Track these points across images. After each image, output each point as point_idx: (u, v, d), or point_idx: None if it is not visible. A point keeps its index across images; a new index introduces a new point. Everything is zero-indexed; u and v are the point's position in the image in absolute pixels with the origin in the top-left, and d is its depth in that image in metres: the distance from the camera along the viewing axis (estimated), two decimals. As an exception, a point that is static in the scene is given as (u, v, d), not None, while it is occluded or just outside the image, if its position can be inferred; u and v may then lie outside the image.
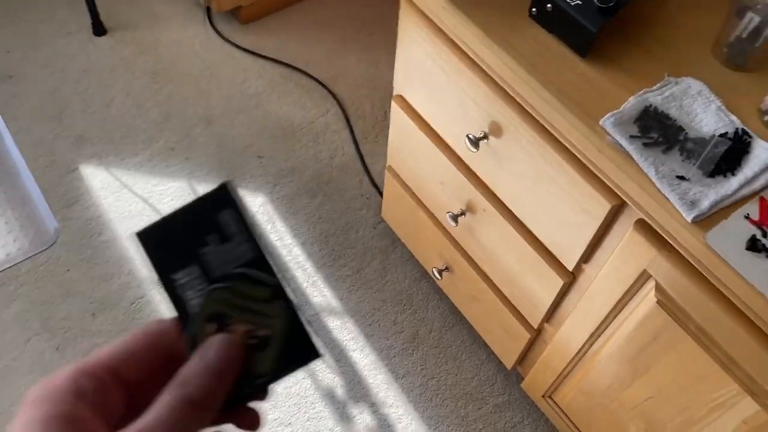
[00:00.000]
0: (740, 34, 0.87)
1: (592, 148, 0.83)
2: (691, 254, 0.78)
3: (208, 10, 2.08)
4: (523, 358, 1.38)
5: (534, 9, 0.92)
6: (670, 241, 0.80)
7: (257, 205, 1.72)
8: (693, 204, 0.77)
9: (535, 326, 1.23)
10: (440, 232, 1.36)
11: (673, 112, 0.84)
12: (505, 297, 1.27)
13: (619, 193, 0.84)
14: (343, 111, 1.91)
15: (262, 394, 0.38)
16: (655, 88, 0.87)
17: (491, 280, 1.29)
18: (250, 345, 0.37)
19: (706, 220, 0.77)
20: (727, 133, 0.82)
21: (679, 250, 0.80)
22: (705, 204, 0.77)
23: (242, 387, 0.37)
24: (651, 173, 0.79)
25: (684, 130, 0.83)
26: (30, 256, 1.60)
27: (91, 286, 1.57)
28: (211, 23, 2.06)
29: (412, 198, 1.40)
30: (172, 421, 0.33)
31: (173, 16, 2.07)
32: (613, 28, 0.93)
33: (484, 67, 0.96)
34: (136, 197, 1.71)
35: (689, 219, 0.76)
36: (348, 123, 1.88)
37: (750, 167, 0.80)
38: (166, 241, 0.38)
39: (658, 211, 0.79)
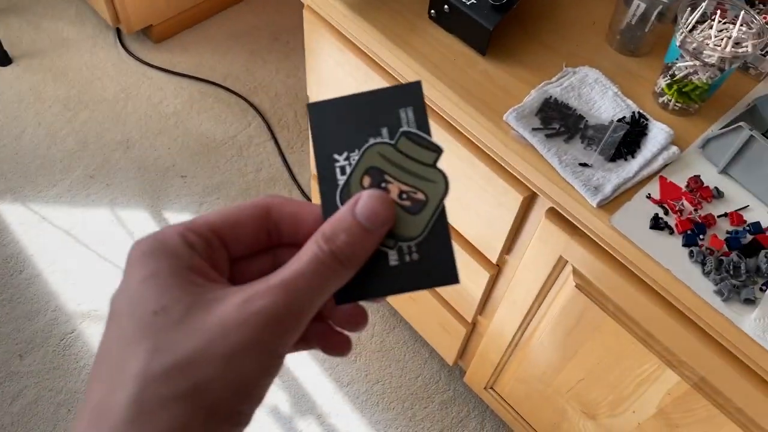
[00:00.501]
0: (630, 21, 0.90)
1: (498, 143, 0.85)
2: (600, 237, 0.80)
3: (118, 31, 2.03)
4: (463, 352, 1.39)
5: (432, 11, 0.93)
6: (580, 227, 0.83)
7: (185, 225, 1.69)
8: (597, 189, 0.79)
9: (470, 320, 1.24)
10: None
11: (573, 102, 0.87)
12: (439, 294, 1.29)
13: (528, 185, 0.86)
14: (266, 122, 1.89)
15: (379, 299, 0.36)
16: (554, 79, 0.89)
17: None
18: (403, 206, 0.35)
19: (610, 204, 0.79)
20: (624, 117, 0.85)
21: (589, 235, 0.82)
22: (608, 188, 0.79)
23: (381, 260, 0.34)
24: (554, 163, 0.81)
25: (584, 118, 0.86)
26: (-53, 302, 1.52)
27: (16, 326, 1.51)
28: (123, 44, 2.01)
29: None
30: (316, 275, 0.32)
31: (82, 39, 2.01)
32: (510, 24, 0.95)
33: (390, 72, 0.96)
34: (57, 229, 1.65)
35: (594, 204, 0.78)
36: (272, 134, 1.87)
37: (648, 149, 0.83)
38: (337, 120, 0.36)
39: (565, 199, 0.81)
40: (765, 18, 0.92)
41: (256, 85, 1.96)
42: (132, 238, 1.65)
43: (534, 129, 0.84)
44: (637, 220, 0.78)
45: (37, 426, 1.39)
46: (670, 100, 0.87)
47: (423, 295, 1.32)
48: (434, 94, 0.90)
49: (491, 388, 1.35)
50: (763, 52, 0.90)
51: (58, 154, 1.77)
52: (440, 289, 1.26)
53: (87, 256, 1.62)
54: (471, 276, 1.13)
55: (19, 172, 1.73)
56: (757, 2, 0.96)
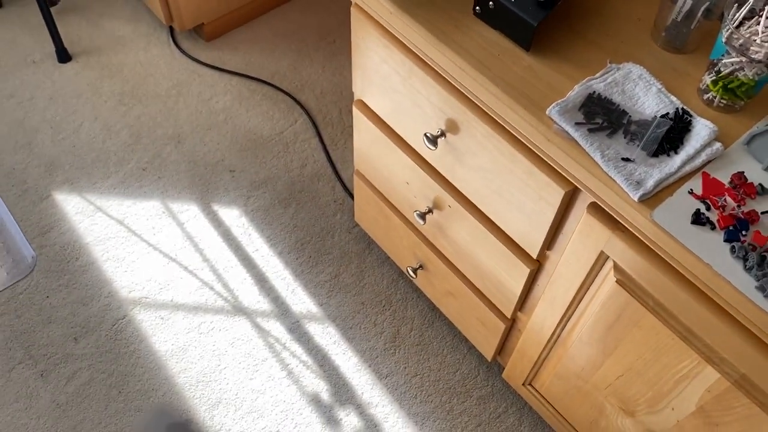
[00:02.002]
0: (676, 18, 0.90)
1: (541, 137, 0.86)
2: (641, 232, 0.81)
3: (171, 29, 2.10)
4: (502, 348, 1.40)
5: (477, 7, 0.95)
6: (621, 221, 0.83)
7: (232, 218, 1.74)
8: (639, 184, 0.80)
9: (509, 316, 1.25)
10: (411, 231, 1.39)
11: (616, 97, 0.87)
12: (478, 289, 1.30)
13: (570, 179, 0.87)
14: (311, 119, 1.93)
15: None
16: (597, 75, 0.90)
17: (463, 275, 1.32)
18: None
19: (652, 199, 0.80)
20: (668, 113, 0.86)
21: (631, 230, 0.83)
22: (650, 183, 0.80)
23: None
24: (597, 157, 0.82)
25: (627, 113, 0.86)
26: (8, 286, 1.60)
27: (72, 310, 1.57)
28: (175, 42, 2.08)
29: (381, 200, 1.43)
30: None
31: (137, 37, 2.09)
32: (554, 20, 0.96)
33: (434, 67, 0.98)
34: (111, 219, 1.72)
35: (636, 198, 0.79)
36: (317, 131, 1.91)
37: (691, 144, 0.83)
38: None
39: (607, 193, 0.82)
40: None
41: (303, 83, 2.01)
42: (182, 229, 1.71)
43: (577, 123, 0.85)
44: (679, 215, 0.78)
45: (90, 406, 1.46)
46: (715, 97, 0.87)
47: (462, 290, 1.33)
48: (477, 89, 0.92)
49: (530, 384, 1.35)
50: None
51: (112, 147, 1.84)
52: (479, 284, 1.27)
53: (138, 246, 1.68)
54: (511, 271, 1.14)
55: (76, 164, 1.80)
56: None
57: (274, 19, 2.17)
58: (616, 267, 0.92)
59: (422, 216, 1.26)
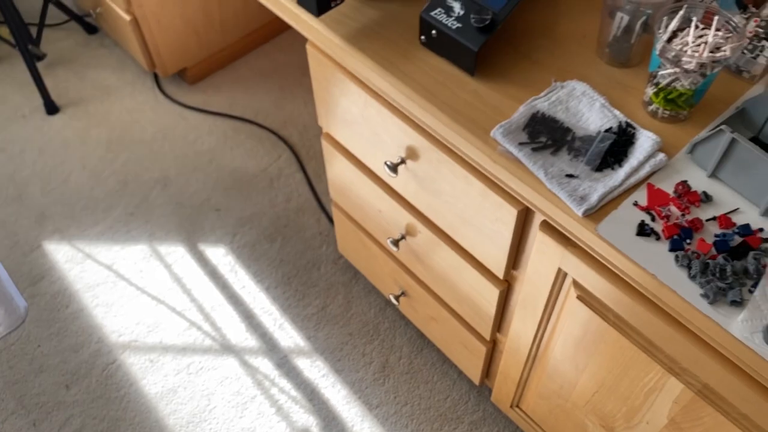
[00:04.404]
0: (616, 33, 0.92)
1: (487, 159, 0.87)
2: (590, 246, 0.81)
3: (155, 75, 2.14)
4: (488, 371, 1.39)
5: (422, 36, 0.97)
6: (572, 237, 0.84)
7: (219, 256, 1.76)
8: (582, 199, 0.80)
9: (488, 338, 1.25)
10: (390, 258, 1.40)
11: (560, 115, 0.89)
12: (457, 313, 1.30)
13: (520, 198, 0.88)
14: (295, 154, 1.95)
15: None
16: (542, 94, 0.91)
17: (441, 299, 1.32)
18: None
19: (597, 213, 0.80)
20: (611, 127, 0.86)
21: (580, 245, 0.83)
22: (594, 197, 0.80)
23: None
24: (540, 175, 0.83)
25: (571, 130, 0.87)
26: (1, 338, 1.62)
27: (63, 358, 1.59)
28: (160, 88, 2.12)
29: (359, 229, 1.44)
30: None
31: (122, 85, 2.13)
32: (499, 43, 0.98)
33: (386, 98, 1.00)
34: (100, 266, 1.74)
35: (580, 213, 0.80)
36: (301, 165, 1.93)
37: (635, 157, 0.84)
38: None
39: (553, 210, 0.83)
40: (756, 21, 0.92)
41: (286, 119, 2.04)
42: (169, 270, 1.73)
43: (521, 143, 0.86)
44: (624, 228, 0.79)
45: (82, 453, 1.46)
46: (658, 109, 0.88)
47: (443, 315, 1.33)
48: (426, 116, 0.93)
49: (517, 406, 1.34)
50: (753, 55, 0.90)
51: (100, 195, 1.87)
52: (457, 307, 1.27)
53: (127, 290, 1.70)
54: (483, 293, 1.14)
55: (65, 214, 1.83)
56: (748, 6, 0.96)
57: (256, 59, 2.21)
58: (575, 283, 0.92)
59: (395, 243, 1.27)
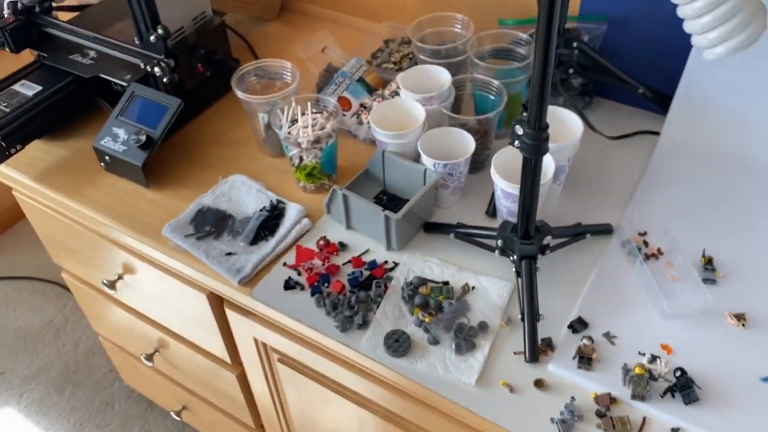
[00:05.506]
0: (264, 131, 1.08)
1: (163, 255, 0.98)
2: (253, 309, 0.93)
3: (-74, 254, 2.11)
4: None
5: (102, 163, 1.08)
6: (242, 306, 0.95)
7: (6, 419, 1.70)
8: (239, 271, 0.92)
9: (254, 425, 1.31)
10: (160, 376, 1.44)
11: (224, 205, 1.02)
12: (222, 409, 1.36)
13: (198, 284, 0.98)
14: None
15: None
16: (209, 192, 1.04)
17: (207, 400, 1.37)
18: None
19: (254, 279, 0.92)
20: (264, 207, 1.01)
21: (253, 312, 0.95)
22: (248, 267, 0.92)
23: None
24: (203, 258, 0.94)
25: (232, 216, 1.00)
26: None
27: None
28: (-68, 265, 2.08)
29: (128, 355, 1.48)
30: None
31: None
32: (173, 157, 1.11)
33: (86, 223, 1.09)
34: None
35: (236, 282, 0.91)
36: (87, 310, 1.94)
37: (285, 226, 0.98)
38: None
39: (220, 286, 0.94)
40: (379, 100, 1.12)
41: (69, 269, 2.06)
42: (-50, 447, 1.65)
43: (186, 235, 0.97)
44: (275, 287, 0.91)
45: None
46: (305, 183, 1.03)
47: (215, 416, 1.38)
48: (113, 234, 1.03)
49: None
50: (359, 121, 1.10)
51: None
52: (219, 403, 1.33)
53: None
54: (226, 380, 1.22)
55: None
56: (376, 89, 1.17)
57: (35, 218, 2.24)
58: (272, 348, 1.02)
59: (149, 357, 1.32)
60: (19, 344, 1.87)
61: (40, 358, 1.83)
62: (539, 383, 0.78)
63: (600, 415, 0.75)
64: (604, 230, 0.94)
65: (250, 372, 1.12)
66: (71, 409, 1.72)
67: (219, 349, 1.14)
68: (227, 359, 1.15)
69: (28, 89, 1.15)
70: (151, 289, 1.13)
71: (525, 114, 0.73)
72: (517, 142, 0.75)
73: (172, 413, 1.49)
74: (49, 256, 2.08)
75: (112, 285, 1.16)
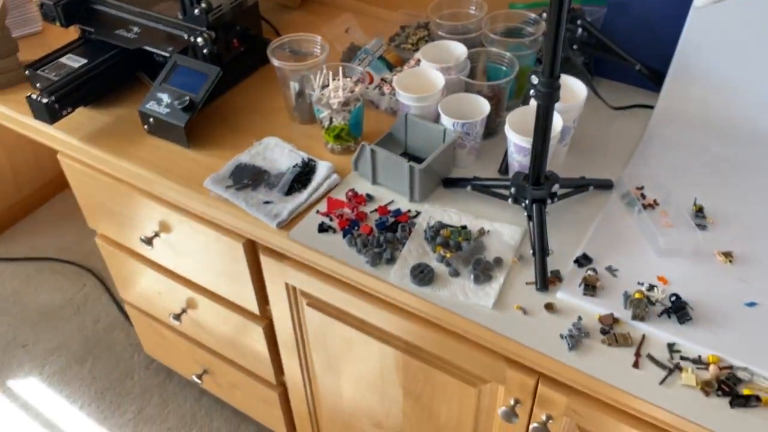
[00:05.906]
0: (295, 98, 1.18)
1: (203, 204, 1.07)
2: (290, 251, 1.02)
3: (-50, 236, 2.19)
4: (293, 424, 1.52)
5: (145, 126, 1.18)
6: (280, 251, 1.04)
7: (30, 389, 1.77)
8: (276, 216, 1.02)
9: (275, 382, 1.39)
10: (183, 339, 1.52)
11: (259, 162, 1.12)
12: (244, 368, 1.44)
13: (237, 231, 1.08)
14: (100, 280, 2.05)
15: None
16: (245, 152, 1.14)
17: (231, 360, 1.46)
18: None
19: (290, 224, 1.02)
20: (297, 164, 1.10)
21: (289, 255, 1.04)
22: (284, 213, 1.02)
23: None
24: (243, 205, 1.04)
25: (267, 171, 1.10)
26: None
27: None
28: (-44, 246, 2.16)
29: (152, 319, 1.56)
30: None
31: None
32: (210, 123, 1.21)
33: (130, 181, 1.19)
34: None
35: (274, 226, 1.01)
36: (106, 288, 2.03)
37: (316, 180, 1.07)
38: None
39: (259, 231, 1.03)
40: (397, 75, 1.22)
41: (89, 251, 2.14)
42: (-24, 413, 1.72)
43: (227, 187, 1.07)
44: (310, 230, 1.01)
45: None
46: (332, 145, 1.13)
47: (236, 376, 1.46)
48: (157, 187, 1.13)
49: (322, 444, 1.47)
50: (381, 93, 1.20)
51: None
52: (242, 361, 1.41)
53: (-69, 442, 1.66)
54: (252, 335, 1.30)
55: None
56: (395, 66, 1.28)
57: (55, 205, 2.32)
58: (302, 292, 1.11)
59: (177, 317, 1.41)
60: (41, 320, 1.94)
61: (62, 333, 1.91)
62: (549, 306, 0.87)
63: (604, 332, 0.84)
64: (605, 184, 1.04)
65: (277, 320, 1.21)
66: (92, 379, 1.79)
67: (247, 300, 1.23)
68: (255, 311, 1.24)
69: (74, 62, 1.26)
70: (187, 244, 1.22)
71: (540, 66, 0.84)
72: (532, 91, 0.85)
73: (193, 376, 1.57)
74: (68, 240, 2.17)
75: (149, 241, 1.25)
